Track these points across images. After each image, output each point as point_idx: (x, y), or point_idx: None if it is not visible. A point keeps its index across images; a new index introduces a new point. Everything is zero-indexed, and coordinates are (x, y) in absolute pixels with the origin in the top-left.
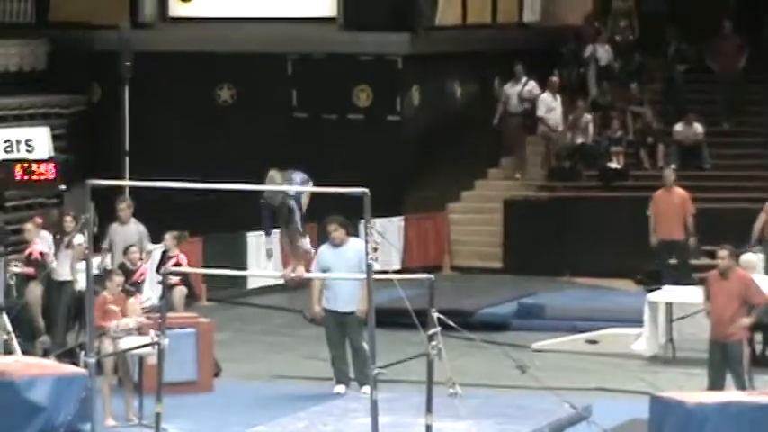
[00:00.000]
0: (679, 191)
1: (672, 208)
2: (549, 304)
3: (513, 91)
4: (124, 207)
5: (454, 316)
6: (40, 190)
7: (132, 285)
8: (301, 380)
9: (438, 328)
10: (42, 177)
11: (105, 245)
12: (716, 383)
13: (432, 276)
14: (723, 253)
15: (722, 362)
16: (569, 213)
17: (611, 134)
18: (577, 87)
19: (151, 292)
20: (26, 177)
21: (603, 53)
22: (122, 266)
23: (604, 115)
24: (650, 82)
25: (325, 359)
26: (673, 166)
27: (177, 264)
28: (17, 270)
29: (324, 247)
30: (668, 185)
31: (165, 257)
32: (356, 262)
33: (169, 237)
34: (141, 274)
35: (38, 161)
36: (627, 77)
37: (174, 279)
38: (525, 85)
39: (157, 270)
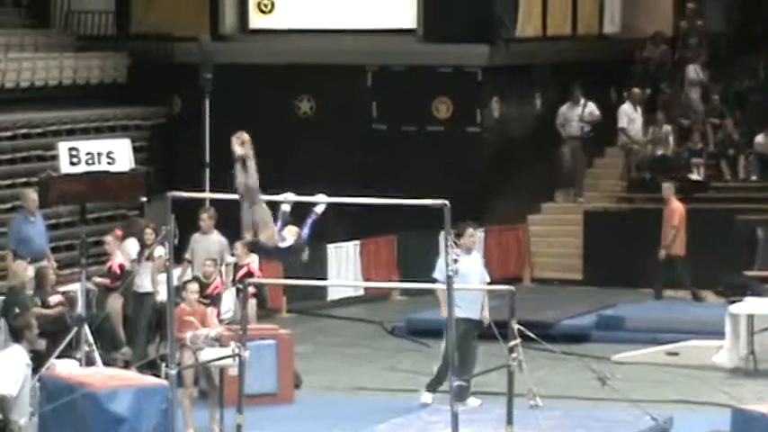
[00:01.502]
0: (674, 204)
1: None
2: (629, 316)
3: (573, 114)
4: (206, 218)
5: (534, 328)
6: (121, 202)
7: (207, 298)
8: (381, 392)
9: (518, 340)
10: (124, 189)
11: (188, 255)
12: None
13: (512, 288)
14: None
15: None
16: (649, 225)
17: (692, 146)
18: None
19: (231, 304)
20: (107, 189)
21: (694, 73)
22: (197, 279)
23: (685, 127)
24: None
25: (405, 371)
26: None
27: (249, 273)
28: (98, 281)
29: (457, 253)
30: (666, 199)
31: (237, 268)
32: (481, 268)
33: (239, 246)
34: (216, 288)
35: (119, 173)
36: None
37: (250, 289)
38: (585, 107)
39: (233, 281)
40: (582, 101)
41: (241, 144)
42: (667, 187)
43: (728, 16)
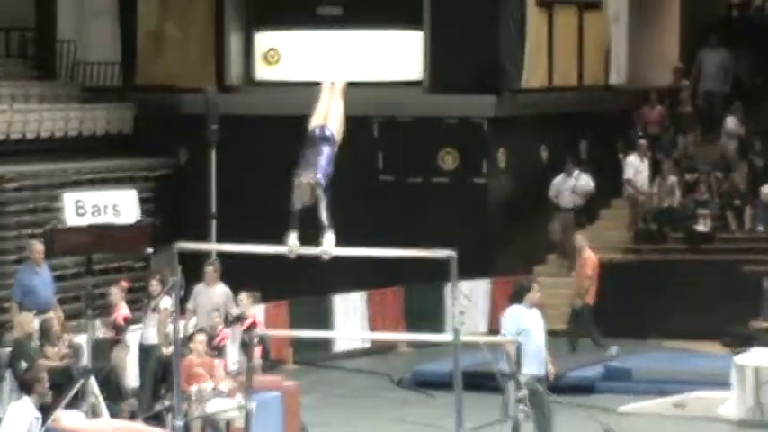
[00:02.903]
0: (587, 253)
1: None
2: (635, 367)
3: (565, 186)
4: (211, 270)
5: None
6: (127, 253)
7: (213, 350)
8: None
9: (525, 391)
10: (129, 241)
11: (190, 305)
12: None
13: (519, 339)
14: None
15: None
16: (656, 276)
17: (698, 197)
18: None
19: (237, 356)
20: (113, 241)
21: (733, 125)
22: (204, 331)
23: (692, 177)
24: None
25: (412, 422)
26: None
27: (253, 324)
28: (102, 335)
29: (518, 308)
30: (579, 249)
31: (241, 319)
32: (542, 324)
33: (243, 297)
34: (222, 339)
35: (125, 225)
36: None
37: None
38: (578, 179)
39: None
40: (575, 172)
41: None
42: (581, 238)
43: (725, 74)
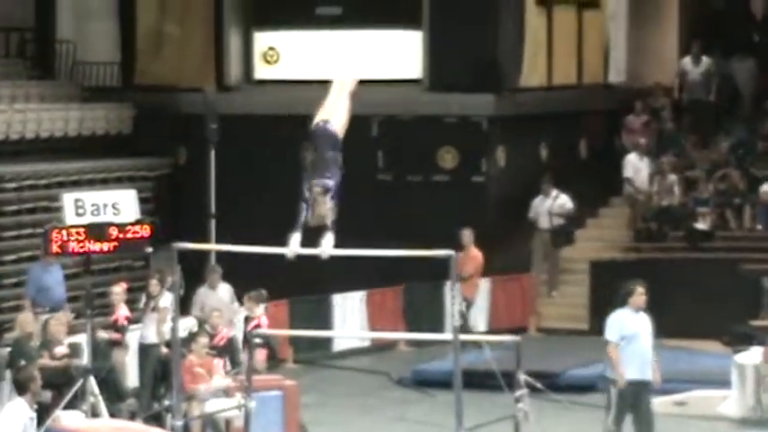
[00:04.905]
0: (473, 251)
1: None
2: None
3: (543, 207)
4: (216, 278)
5: (541, 377)
6: (126, 253)
7: (214, 349)
8: None
9: (525, 390)
10: (129, 241)
11: (196, 311)
12: None
13: (518, 338)
14: None
15: None
16: (656, 274)
17: (698, 195)
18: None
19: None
20: (113, 241)
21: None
22: (205, 331)
23: (692, 176)
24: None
25: (412, 421)
26: None
27: (258, 326)
28: (104, 336)
29: (623, 313)
30: (465, 246)
31: (247, 320)
32: (650, 328)
33: (247, 299)
34: (222, 339)
35: (125, 224)
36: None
37: (258, 341)
38: (556, 198)
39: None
40: (554, 193)
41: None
42: (467, 234)
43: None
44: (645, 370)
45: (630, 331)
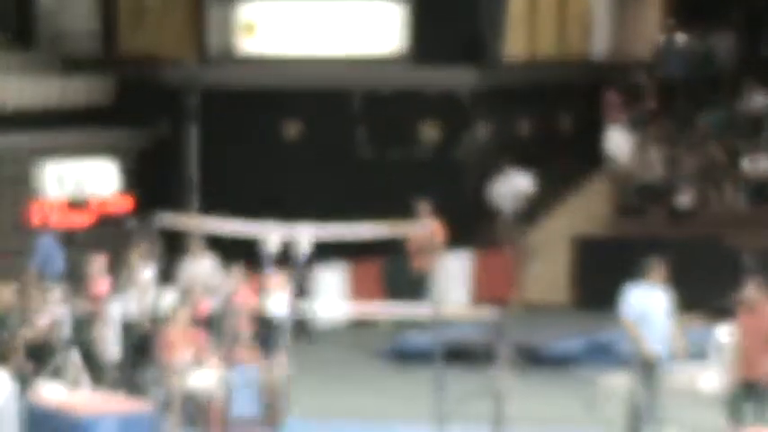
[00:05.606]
0: (428, 224)
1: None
2: (617, 340)
3: (504, 189)
4: (198, 248)
5: (522, 351)
6: (107, 225)
7: (195, 322)
8: (370, 416)
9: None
10: (110, 212)
11: (180, 282)
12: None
13: (498, 312)
14: (750, 286)
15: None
16: (637, 250)
17: (679, 171)
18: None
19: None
20: (94, 212)
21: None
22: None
23: (673, 151)
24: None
25: (392, 395)
26: None
27: (240, 298)
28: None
29: (640, 287)
30: (422, 217)
31: (231, 293)
32: (668, 303)
33: (233, 271)
34: (203, 311)
35: (105, 196)
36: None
37: (242, 314)
38: (515, 181)
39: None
40: (512, 173)
41: None
42: (423, 206)
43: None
44: (660, 345)
45: (646, 307)
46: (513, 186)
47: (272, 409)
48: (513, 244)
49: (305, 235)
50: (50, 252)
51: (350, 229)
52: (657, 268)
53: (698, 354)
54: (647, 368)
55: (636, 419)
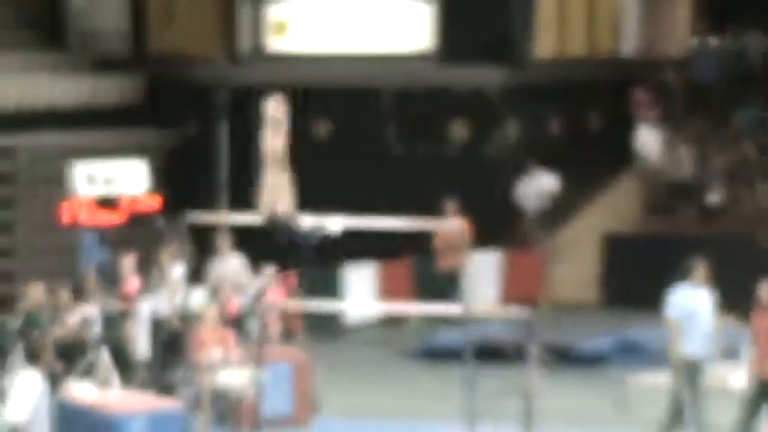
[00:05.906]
0: (455, 222)
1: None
2: (648, 339)
3: (529, 189)
4: (226, 246)
5: (553, 350)
6: (137, 224)
7: (226, 321)
8: (400, 415)
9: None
10: (140, 211)
11: (209, 281)
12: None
13: (528, 311)
14: (765, 286)
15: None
16: (667, 248)
17: (710, 168)
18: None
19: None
20: (124, 211)
21: None
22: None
23: (703, 149)
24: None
25: (423, 394)
26: None
27: (271, 296)
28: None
29: (684, 288)
30: (448, 216)
31: (262, 292)
32: (711, 305)
33: (266, 271)
34: (232, 309)
35: (135, 195)
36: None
37: (272, 313)
38: (541, 180)
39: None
40: (538, 173)
41: (276, 107)
42: (450, 205)
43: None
44: (702, 345)
45: (690, 308)
46: (537, 186)
47: (303, 407)
48: (537, 243)
49: (336, 224)
50: (92, 251)
51: (380, 221)
52: (701, 269)
53: (730, 353)
54: (691, 370)
55: (677, 421)
